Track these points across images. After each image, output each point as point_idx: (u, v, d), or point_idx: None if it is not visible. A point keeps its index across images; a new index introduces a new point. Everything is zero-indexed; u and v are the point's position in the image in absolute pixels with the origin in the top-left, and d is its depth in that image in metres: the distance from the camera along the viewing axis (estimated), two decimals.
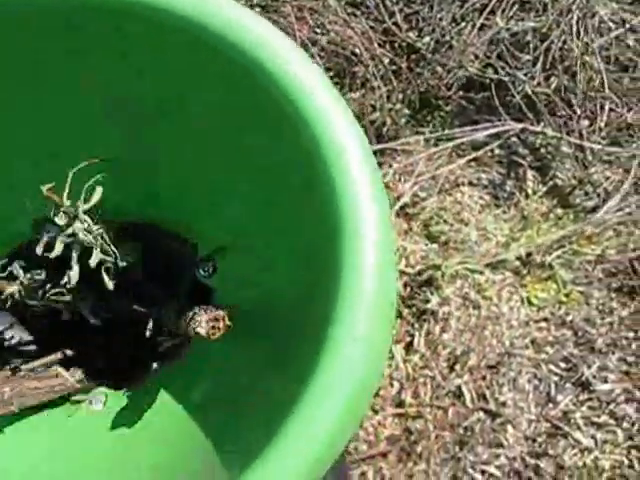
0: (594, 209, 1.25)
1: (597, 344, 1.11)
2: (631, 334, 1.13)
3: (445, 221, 1.25)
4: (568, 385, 1.08)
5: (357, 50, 1.38)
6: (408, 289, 1.18)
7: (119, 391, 0.51)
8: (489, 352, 1.11)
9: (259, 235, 0.50)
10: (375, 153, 1.27)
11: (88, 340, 0.54)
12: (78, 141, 0.52)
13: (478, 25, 1.40)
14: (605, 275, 1.18)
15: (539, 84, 1.34)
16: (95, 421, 0.49)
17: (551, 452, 1.03)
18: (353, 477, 1.03)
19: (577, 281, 1.17)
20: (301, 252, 0.46)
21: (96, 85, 0.50)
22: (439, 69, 1.38)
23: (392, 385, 1.10)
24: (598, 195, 1.26)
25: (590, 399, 1.07)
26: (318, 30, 1.40)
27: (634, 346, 1.11)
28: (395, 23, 1.42)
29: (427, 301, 1.15)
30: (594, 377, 1.09)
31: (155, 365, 0.51)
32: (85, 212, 0.45)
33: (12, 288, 0.50)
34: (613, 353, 1.11)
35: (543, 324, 1.14)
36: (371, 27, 1.41)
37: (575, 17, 1.36)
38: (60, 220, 0.45)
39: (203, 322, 0.40)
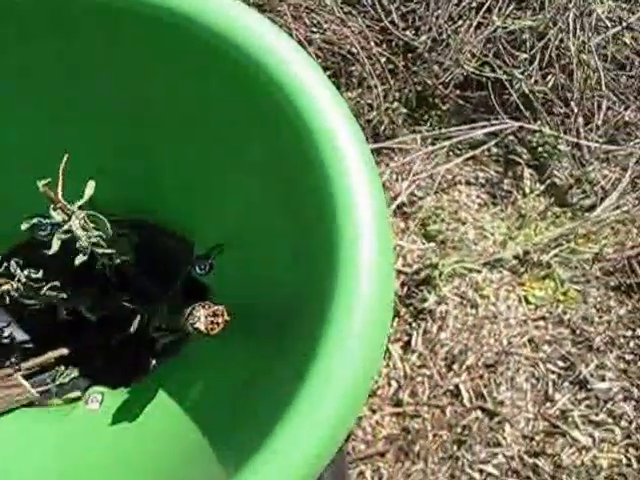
0: (591, 207, 1.25)
1: (595, 342, 1.11)
2: (629, 332, 1.13)
3: (442, 220, 1.25)
4: (566, 384, 1.08)
5: (354, 49, 1.37)
6: (405, 288, 1.18)
7: (116, 390, 0.51)
8: (487, 351, 1.11)
9: (257, 233, 0.50)
10: (372, 152, 1.26)
11: (86, 339, 0.54)
12: (79, 139, 0.52)
13: (475, 23, 1.39)
14: (603, 273, 1.18)
15: (536, 82, 1.34)
16: (94, 420, 0.49)
17: (549, 451, 1.03)
18: (351, 477, 1.03)
19: (575, 279, 1.17)
20: (298, 250, 0.46)
21: (103, 87, 0.50)
22: (436, 68, 1.38)
23: (390, 384, 1.10)
24: (595, 193, 1.26)
25: (588, 397, 1.07)
26: (314, 29, 1.40)
27: (632, 344, 1.11)
28: (392, 22, 1.42)
29: (424, 300, 1.15)
30: (592, 375, 1.08)
31: (153, 362, 0.51)
32: (80, 208, 0.44)
33: (8, 285, 0.49)
34: (611, 351, 1.11)
35: (541, 323, 1.14)
36: (367, 26, 1.41)
37: (572, 15, 1.36)
38: (57, 216, 0.44)
39: (202, 317, 0.40)
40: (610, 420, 1.05)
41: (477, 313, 1.14)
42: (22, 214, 0.47)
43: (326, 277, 0.39)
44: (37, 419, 0.50)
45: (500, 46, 1.37)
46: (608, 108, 1.33)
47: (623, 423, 1.05)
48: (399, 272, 1.19)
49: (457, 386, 1.09)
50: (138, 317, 0.49)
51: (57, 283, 0.49)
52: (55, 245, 0.44)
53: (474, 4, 1.42)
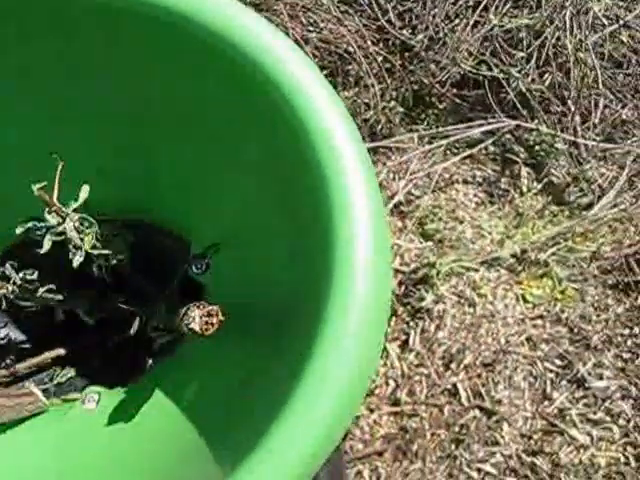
0: (589, 206, 1.25)
1: (592, 341, 1.11)
2: (626, 331, 1.13)
3: (440, 219, 1.25)
4: (564, 382, 1.08)
5: (350, 48, 1.37)
6: (403, 287, 1.18)
7: (113, 389, 0.51)
8: (484, 350, 1.11)
9: (253, 232, 0.50)
10: (369, 151, 1.26)
11: (83, 339, 0.54)
12: (79, 139, 0.52)
13: (472, 22, 1.39)
14: (600, 272, 1.18)
15: (533, 81, 1.34)
16: (91, 420, 0.49)
17: (547, 449, 1.03)
18: (349, 476, 1.03)
19: (572, 278, 1.17)
20: (294, 250, 0.46)
21: (103, 87, 0.50)
22: (433, 66, 1.38)
23: (387, 384, 1.10)
24: (593, 192, 1.26)
25: (586, 396, 1.07)
26: (311, 28, 1.40)
27: (629, 343, 1.11)
28: (388, 21, 1.42)
29: (422, 299, 1.15)
30: (589, 374, 1.08)
31: (150, 362, 0.51)
32: (75, 210, 0.45)
33: (4, 290, 0.49)
34: (608, 350, 1.11)
35: (538, 321, 1.14)
36: (364, 25, 1.41)
37: (569, 13, 1.36)
38: (52, 219, 0.44)
39: (197, 318, 0.40)
40: (608, 418, 1.05)
41: (475, 312, 1.14)
42: (21, 214, 0.47)
43: (322, 276, 0.39)
44: (36, 418, 0.50)
45: (497, 44, 1.37)
46: (605, 106, 1.33)
47: (621, 421, 1.05)
48: (396, 271, 1.19)
49: (455, 385, 1.09)
50: (137, 319, 0.49)
51: (53, 286, 0.49)
52: (46, 245, 0.44)
53: (471, 3, 1.42)
